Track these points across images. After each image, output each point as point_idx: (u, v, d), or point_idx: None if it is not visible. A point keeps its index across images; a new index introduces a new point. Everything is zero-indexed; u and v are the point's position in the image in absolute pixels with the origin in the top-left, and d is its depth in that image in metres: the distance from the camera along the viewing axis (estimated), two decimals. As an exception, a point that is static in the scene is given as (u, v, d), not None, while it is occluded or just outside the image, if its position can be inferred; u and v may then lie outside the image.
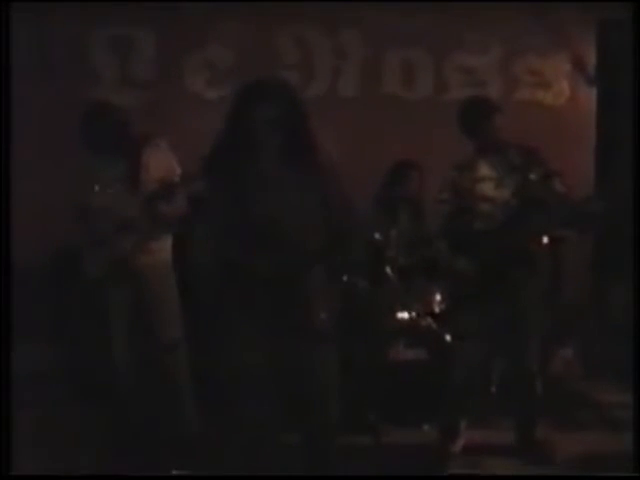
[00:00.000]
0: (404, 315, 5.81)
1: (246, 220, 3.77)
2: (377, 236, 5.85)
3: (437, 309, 5.85)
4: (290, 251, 3.76)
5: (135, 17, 6.77)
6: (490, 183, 5.04)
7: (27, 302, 5.55)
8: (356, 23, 7.05)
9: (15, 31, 6.10)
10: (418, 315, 5.83)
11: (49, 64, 6.64)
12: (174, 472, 4.86)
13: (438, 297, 5.83)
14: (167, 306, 5.30)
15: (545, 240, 5.14)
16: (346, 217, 3.95)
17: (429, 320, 5.82)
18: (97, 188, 5.21)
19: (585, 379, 6.53)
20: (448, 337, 5.61)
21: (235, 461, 4.01)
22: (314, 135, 3.86)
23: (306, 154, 3.83)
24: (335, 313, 3.90)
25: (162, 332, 5.27)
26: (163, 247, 5.31)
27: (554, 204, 4.96)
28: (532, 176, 4.99)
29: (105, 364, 5.34)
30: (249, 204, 3.78)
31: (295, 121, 3.80)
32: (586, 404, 6.09)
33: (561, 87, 7.37)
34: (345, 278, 5.73)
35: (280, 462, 3.94)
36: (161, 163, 5.14)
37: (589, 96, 7.31)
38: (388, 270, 5.81)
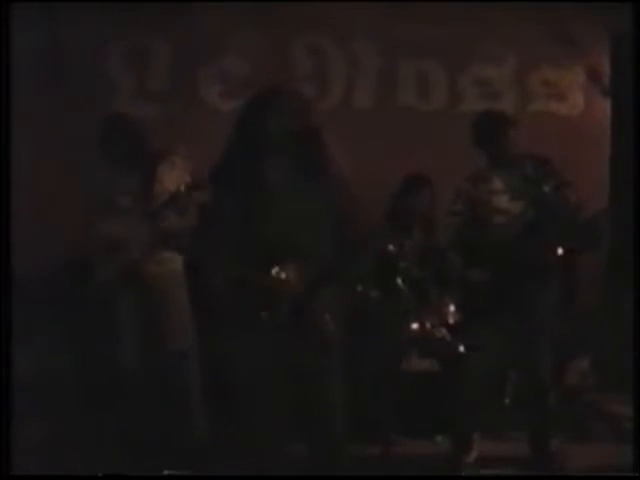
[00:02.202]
0: (418, 326, 5.82)
1: (256, 232, 3.77)
2: (391, 248, 5.86)
3: (451, 320, 5.85)
4: (301, 263, 3.75)
5: (150, 28, 6.81)
6: (504, 195, 5.06)
7: (38, 308, 5.59)
8: (371, 34, 7.06)
9: (33, 42, 6.22)
10: (432, 326, 5.84)
11: (66, 76, 6.66)
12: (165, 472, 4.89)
13: (452, 308, 5.83)
14: (177, 315, 5.33)
15: (560, 251, 5.14)
16: (358, 229, 3.94)
17: (443, 331, 5.83)
18: (111, 196, 5.26)
19: (600, 391, 6.51)
20: (462, 348, 5.61)
21: (242, 469, 4.02)
22: (327, 147, 3.84)
23: (318, 166, 3.82)
24: (345, 325, 3.89)
25: (171, 340, 5.30)
26: (174, 256, 5.34)
27: (566, 216, 4.97)
28: (546, 187, 5.00)
29: (114, 371, 5.38)
30: (260, 216, 3.77)
31: (307, 133, 3.79)
32: (600, 416, 6.08)
33: (576, 98, 7.36)
34: (359, 289, 5.75)
35: (287, 472, 3.94)
36: (175, 179, 5.17)
37: (604, 107, 7.30)
38: (399, 281, 5.83)
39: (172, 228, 5.14)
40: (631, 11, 5.52)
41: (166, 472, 4.91)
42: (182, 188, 4.96)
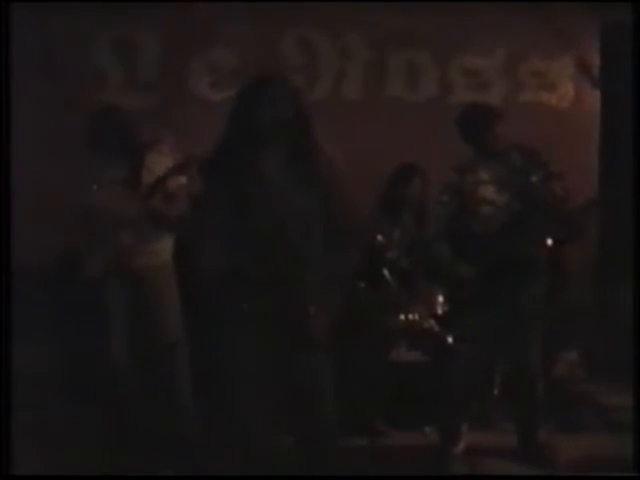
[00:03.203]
0: (406, 317, 5.81)
1: (247, 222, 3.75)
2: (379, 238, 5.86)
3: (440, 311, 5.85)
4: (290, 254, 3.74)
5: (139, 19, 6.79)
6: (492, 186, 5.05)
7: (27, 302, 5.57)
8: (360, 25, 7.04)
9: (19, 33, 6.18)
10: (420, 317, 5.83)
11: (53, 66, 6.63)
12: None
13: (440, 299, 5.82)
14: (167, 307, 5.32)
15: (549, 242, 5.14)
16: (347, 220, 3.94)
17: (431, 322, 5.82)
18: (97, 188, 5.25)
19: (588, 381, 6.52)
20: (450, 339, 5.61)
21: (232, 462, 4.01)
22: (317, 138, 3.85)
23: (308, 157, 3.81)
24: (334, 316, 3.89)
25: (162, 333, 5.29)
26: (164, 248, 5.34)
27: (553, 207, 4.98)
28: (533, 178, 5.00)
29: (104, 364, 5.37)
30: (250, 206, 3.76)
31: (298, 123, 3.78)
32: (589, 407, 6.08)
33: (565, 89, 7.36)
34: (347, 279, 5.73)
35: (278, 464, 3.94)
36: (163, 168, 5.16)
37: (593, 98, 7.30)
38: (386, 272, 5.82)
39: (161, 211, 5.12)
40: (631, 10, 5.50)
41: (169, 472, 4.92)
42: (167, 169, 4.98)
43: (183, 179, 5.10)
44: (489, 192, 5.05)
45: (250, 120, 3.75)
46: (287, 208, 3.77)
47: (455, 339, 5.51)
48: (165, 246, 5.36)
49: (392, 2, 6.88)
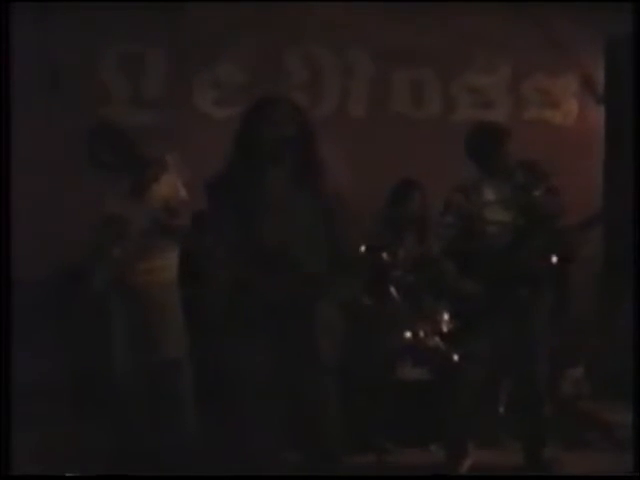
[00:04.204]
0: (412, 334, 5.78)
1: (252, 240, 3.76)
2: (385, 256, 5.84)
3: (445, 329, 5.81)
4: (295, 272, 3.74)
5: (145, 35, 6.79)
6: (497, 206, 5.03)
7: (29, 316, 5.56)
8: (364, 42, 7.05)
9: (24, 46, 6.18)
10: (426, 335, 5.80)
11: (58, 81, 6.62)
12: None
13: (446, 316, 5.79)
14: (170, 324, 5.30)
15: (554, 259, 5.11)
16: (350, 238, 3.96)
17: (437, 340, 5.79)
18: (102, 202, 5.25)
19: (594, 399, 6.48)
20: (456, 357, 5.57)
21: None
22: (321, 156, 3.87)
23: (312, 175, 3.83)
24: (339, 333, 3.88)
25: (164, 349, 5.27)
26: (167, 265, 5.32)
27: (554, 219, 4.97)
28: (535, 192, 5.00)
29: (108, 379, 5.35)
30: (255, 224, 3.77)
31: (302, 142, 3.80)
32: (595, 424, 6.03)
33: (569, 106, 7.36)
34: (352, 297, 5.71)
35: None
36: (166, 184, 5.15)
37: (597, 115, 7.29)
38: (392, 290, 5.79)
39: (165, 227, 5.11)
40: (631, 11, 5.48)
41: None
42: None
43: (184, 194, 5.12)
44: (495, 213, 5.03)
45: (255, 139, 3.77)
46: (291, 226, 3.78)
47: (461, 357, 5.47)
48: (169, 263, 5.35)
49: (397, 20, 6.88)
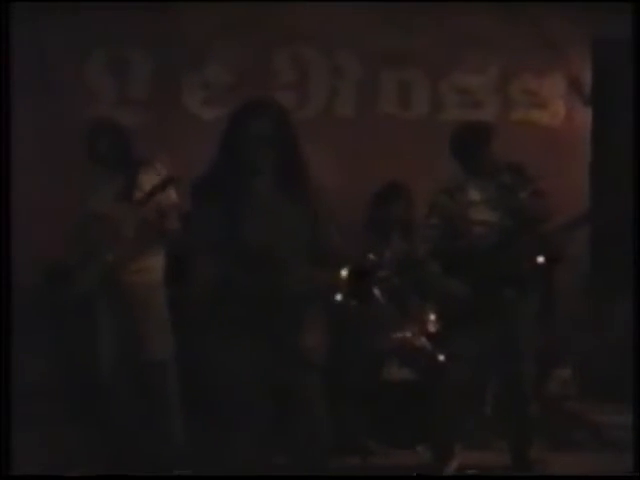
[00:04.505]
0: (398, 335, 5.77)
1: (236, 240, 3.76)
2: (371, 256, 5.82)
3: (432, 329, 5.81)
4: (279, 272, 3.75)
5: (133, 36, 6.77)
6: (482, 207, 5.04)
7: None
8: (352, 43, 7.03)
9: (15, 48, 6.16)
10: (412, 335, 5.80)
11: (45, 82, 6.60)
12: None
13: (432, 317, 5.79)
14: (157, 324, 5.29)
15: (540, 260, 5.12)
16: (334, 239, 3.96)
17: (423, 340, 5.79)
18: (93, 200, 5.24)
19: (581, 400, 6.48)
20: (442, 357, 5.57)
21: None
22: (305, 158, 3.88)
23: (298, 176, 3.85)
24: (325, 334, 3.88)
25: (150, 350, 5.25)
26: (155, 265, 5.31)
27: (541, 222, 4.98)
28: (522, 194, 5.00)
29: (93, 380, 5.34)
30: (240, 225, 3.77)
31: (287, 143, 3.81)
32: (583, 424, 6.04)
33: (557, 107, 7.35)
34: (338, 298, 5.68)
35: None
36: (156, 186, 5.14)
37: (585, 116, 7.30)
38: (376, 292, 5.78)
39: (154, 228, 5.11)
40: (630, 12, 5.49)
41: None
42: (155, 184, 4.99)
43: (174, 196, 5.11)
44: (480, 213, 5.03)
45: (240, 141, 3.78)
46: (276, 227, 3.79)
47: (447, 357, 5.47)
48: (157, 263, 5.35)
49: (385, 20, 6.88)
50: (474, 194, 5.07)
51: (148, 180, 5.16)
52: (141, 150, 5.41)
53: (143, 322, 5.24)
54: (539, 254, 5.04)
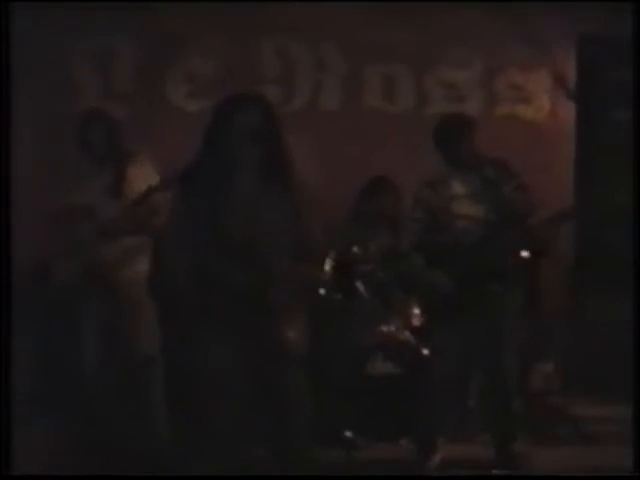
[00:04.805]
0: (382, 329, 5.77)
1: (219, 234, 3.75)
2: (355, 250, 5.83)
3: (416, 323, 5.81)
4: (261, 267, 3.74)
5: (116, 28, 6.73)
6: (466, 201, 5.05)
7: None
8: (337, 37, 7.02)
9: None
10: (396, 329, 5.79)
11: (31, 76, 6.56)
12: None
13: (417, 311, 5.79)
14: (143, 321, 5.27)
15: (525, 254, 5.13)
16: (317, 235, 3.96)
17: (407, 334, 5.78)
18: (79, 193, 5.24)
19: (564, 393, 6.50)
20: (426, 351, 5.57)
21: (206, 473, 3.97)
22: (289, 152, 3.87)
23: (282, 170, 3.83)
24: (308, 328, 3.88)
25: (136, 347, 5.24)
26: (141, 261, 5.29)
27: (525, 217, 4.98)
28: (505, 189, 5.00)
29: (79, 376, 5.32)
30: (224, 219, 3.76)
31: (271, 137, 3.80)
32: (566, 419, 6.05)
33: (541, 102, 7.35)
34: (322, 292, 5.69)
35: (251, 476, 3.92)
36: (144, 179, 5.12)
37: (569, 111, 7.30)
38: (359, 285, 5.78)
39: (145, 224, 5.10)
40: (631, 11, 5.50)
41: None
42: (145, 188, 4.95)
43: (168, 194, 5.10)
44: (463, 207, 5.04)
45: (225, 134, 3.77)
46: (260, 221, 3.77)
47: (431, 351, 5.47)
48: (144, 259, 5.32)
49: (370, 15, 6.87)
50: (458, 188, 5.08)
51: (136, 174, 5.15)
52: (126, 143, 5.40)
53: (130, 318, 5.22)
54: (523, 248, 5.05)
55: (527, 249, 5.11)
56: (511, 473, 5.09)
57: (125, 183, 5.18)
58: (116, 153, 5.29)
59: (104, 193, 5.19)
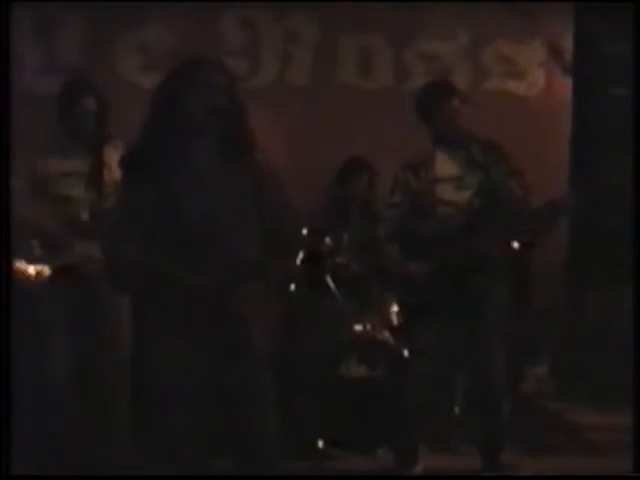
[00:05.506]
0: (357, 328, 5.79)
1: (175, 221, 3.69)
2: (328, 241, 5.82)
3: (395, 321, 5.82)
4: (222, 258, 3.70)
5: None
6: (450, 184, 5.06)
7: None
8: (308, 6, 7.02)
9: None
10: (373, 328, 5.81)
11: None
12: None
13: (395, 308, 5.79)
14: (113, 319, 5.30)
15: (515, 245, 5.16)
16: (284, 221, 3.94)
17: (385, 333, 5.80)
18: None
19: (559, 399, 6.55)
20: (406, 352, 5.59)
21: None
22: (252, 130, 3.81)
23: (244, 150, 3.79)
24: (276, 327, 3.88)
25: (109, 348, 5.29)
26: None
27: (515, 206, 5.00)
28: (494, 174, 5.01)
29: (44, 377, 5.35)
30: (178, 204, 3.70)
31: (233, 111, 3.74)
32: (559, 426, 6.10)
33: (535, 77, 7.37)
34: (292, 287, 5.69)
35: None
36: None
37: (565, 86, 7.33)
38: (329, 280, 5.77)
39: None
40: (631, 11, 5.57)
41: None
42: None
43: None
44: (447, 191, 5.06)
45: (178, 106, 3.70)
46: (219, 206, 3.72)
47: (412, 352, 5.49)
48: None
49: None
50: (441, 169, 5.09)
51: (112, 160, 5.16)
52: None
53: (99, 317, 5.26)
54: (511, 238, 5.09)
55: (517, 239, 5.14)
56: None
57: (104, 170, 5.25)
58: (93, 138, 5.32)
59: (82, 183, 5.26)
